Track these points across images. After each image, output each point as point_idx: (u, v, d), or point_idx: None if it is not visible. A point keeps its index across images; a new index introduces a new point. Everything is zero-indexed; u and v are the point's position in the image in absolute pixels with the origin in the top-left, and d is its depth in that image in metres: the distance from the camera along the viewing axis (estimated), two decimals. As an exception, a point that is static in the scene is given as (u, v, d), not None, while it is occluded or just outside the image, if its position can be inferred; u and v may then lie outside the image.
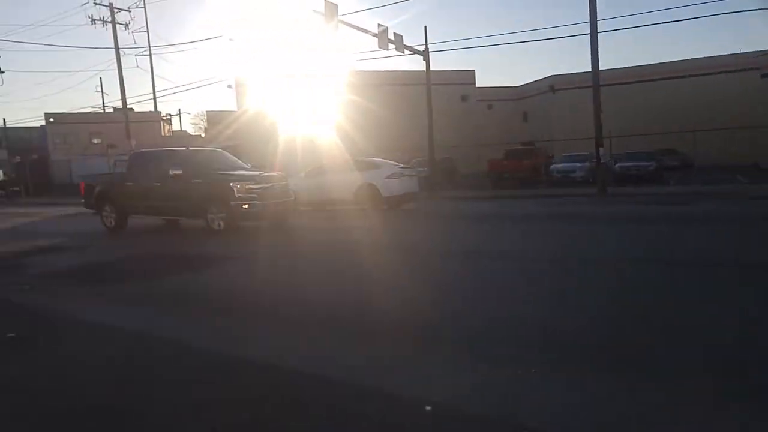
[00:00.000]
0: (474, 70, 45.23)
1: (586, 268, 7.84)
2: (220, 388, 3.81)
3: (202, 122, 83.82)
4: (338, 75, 43.15)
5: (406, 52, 23.82)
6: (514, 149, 28.42)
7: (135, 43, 71.29)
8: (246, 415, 3.37)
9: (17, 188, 46.90)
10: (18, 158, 50.08)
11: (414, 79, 43.70)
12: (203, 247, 11.39)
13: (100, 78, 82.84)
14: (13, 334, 5.41)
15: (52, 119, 53.97)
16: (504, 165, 26.88)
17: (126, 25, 32.64)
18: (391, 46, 22.48)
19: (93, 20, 31.32)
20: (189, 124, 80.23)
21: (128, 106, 54.64)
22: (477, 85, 46.24)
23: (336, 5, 19.65)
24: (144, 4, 37.43)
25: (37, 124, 73.88)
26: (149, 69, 65.52)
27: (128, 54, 46.60)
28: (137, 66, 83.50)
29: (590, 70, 19.68)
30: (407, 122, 40.75)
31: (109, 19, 31.41)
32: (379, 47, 22.00)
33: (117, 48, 31.74)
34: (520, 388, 3.66)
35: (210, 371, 4.17)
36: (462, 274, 7.84)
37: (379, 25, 21.89)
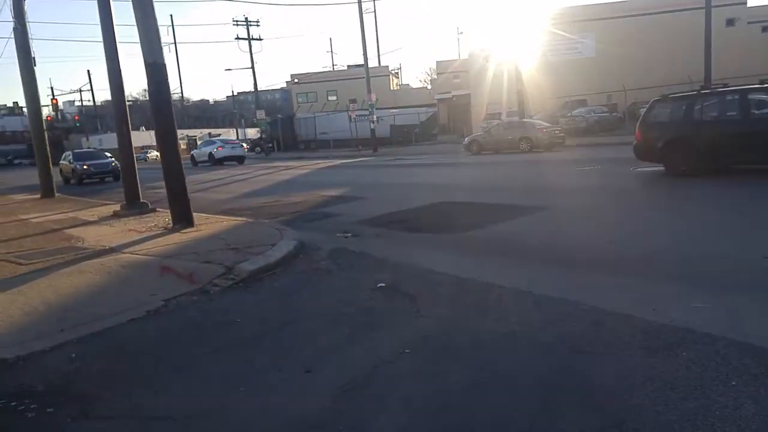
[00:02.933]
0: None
1: None
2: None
3: (425, 75, 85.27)
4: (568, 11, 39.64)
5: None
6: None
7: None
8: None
9: (271, 144, 52.12)
10: (268, 118, 55.56)
11: (664, 6, 38.45)
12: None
13: (330, 39, 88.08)
14: (383, 284, 5.20)
15: (296, 80, 59.01)
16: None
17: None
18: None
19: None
20: (413, 77, 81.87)
21: (358, 64, 57.33)
22: (748, 5, 38.83)
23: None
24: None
25: (278, 87, 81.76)
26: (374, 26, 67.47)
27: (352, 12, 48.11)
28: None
29: None
30: (658, 55, 36.13)
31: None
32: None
33: (360, 3, 32.77)
34: None
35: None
36: None
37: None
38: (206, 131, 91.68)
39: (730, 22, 37.27)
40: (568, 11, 39.19)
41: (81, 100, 73.60)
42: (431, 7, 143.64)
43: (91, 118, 77.45)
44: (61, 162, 27.55)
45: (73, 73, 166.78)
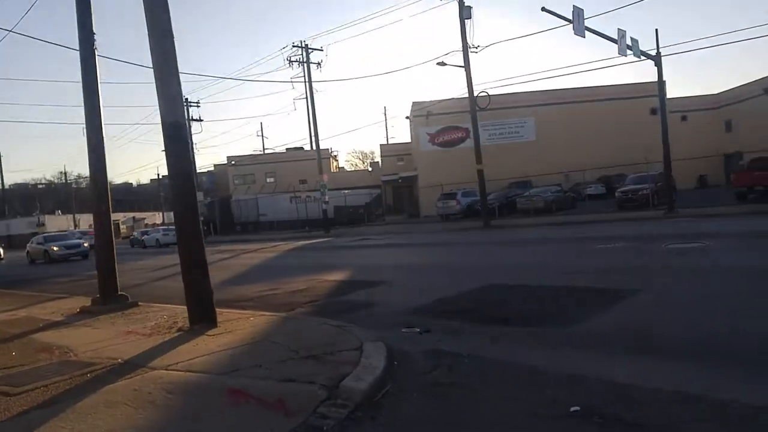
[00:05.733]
0: (664, 81, 41.21)
1: None
2: None
3: (354, 157, 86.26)
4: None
5: (642, 57, 21.50)
6: (763, 158, 24.43)
7: (293, 88, 73.80)
8: None
9: (206, 227, 49.45)
10: (206, 200, 53.09)
11: (588, 95, 41.25)
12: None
13: (261, 123, 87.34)
14: (576, 408, 3.76)
15: (233, 162, 57.29)
16: (755, 177, 23.03)
17: (318, 64, 33.07)
18: (628, 51, 20.33)
19: (290, 61, 32.19)
20: (344, 161, 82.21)
21: (295, 147, 56.75)
22: (668, 96, 42.12)
23: (582, 9, 17.93)
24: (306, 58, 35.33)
25: (205, 169, 79.55)
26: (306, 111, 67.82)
27: (284, 99, 48.05)
28: (294, 109, 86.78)
29: None
30: (601, 139, 38.19)
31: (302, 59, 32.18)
32: (618, 53, 20.08)
33: (310, 86, 32.33)
34: None
35: None
36: None
37: (619, 30, 19.88)
38: (130, 215, 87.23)
39: (653, 112, 40.13)
40: (510, 97, 40.50)
41: (-10, 185, 68.71)
42: (363, 94, 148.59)
43: (-1, 202, 72.50)
44: None
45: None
